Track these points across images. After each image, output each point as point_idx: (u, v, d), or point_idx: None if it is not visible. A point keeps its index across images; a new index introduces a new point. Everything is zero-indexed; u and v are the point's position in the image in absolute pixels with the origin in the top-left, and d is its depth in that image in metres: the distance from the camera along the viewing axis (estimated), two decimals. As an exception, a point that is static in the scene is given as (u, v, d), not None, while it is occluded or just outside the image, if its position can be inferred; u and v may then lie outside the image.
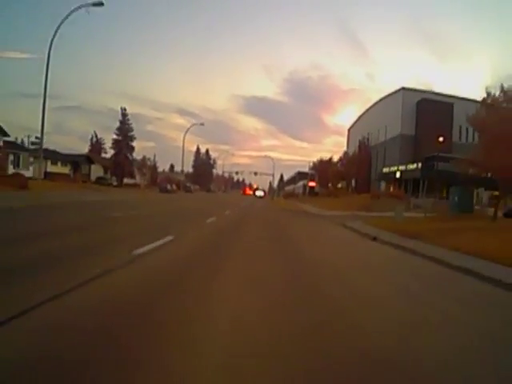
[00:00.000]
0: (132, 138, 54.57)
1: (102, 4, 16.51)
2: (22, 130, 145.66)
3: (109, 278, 4.49)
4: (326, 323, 3.46)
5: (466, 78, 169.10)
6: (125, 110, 55.51)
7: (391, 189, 46.46)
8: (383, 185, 49.48)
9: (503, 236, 12.68)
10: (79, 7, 16.94)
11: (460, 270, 7.25)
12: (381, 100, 54.30)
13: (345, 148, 72.16)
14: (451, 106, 46.55)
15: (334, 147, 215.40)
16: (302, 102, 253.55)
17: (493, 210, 19.98)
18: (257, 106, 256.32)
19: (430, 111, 45.98)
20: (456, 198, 20.26)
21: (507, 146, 15.49)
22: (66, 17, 17.25)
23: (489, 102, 18.58)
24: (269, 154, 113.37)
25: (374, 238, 11.81)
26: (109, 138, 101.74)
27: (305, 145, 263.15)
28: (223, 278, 5.02)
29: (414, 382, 2.49)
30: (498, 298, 5.39)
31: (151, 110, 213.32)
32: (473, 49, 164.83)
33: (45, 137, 21.05)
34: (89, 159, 50.82)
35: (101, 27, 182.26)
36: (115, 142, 54.08)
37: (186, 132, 58.95)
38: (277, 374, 2.40)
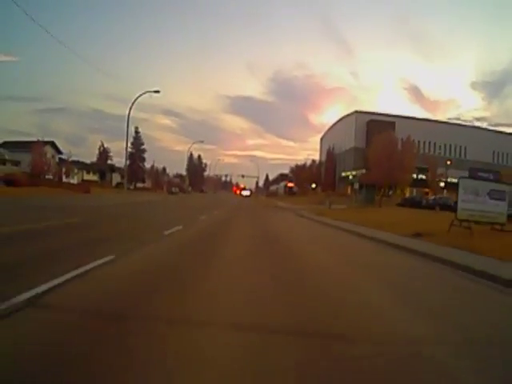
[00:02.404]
0: (143, 151, 67.79)
1: (158, 92, 29.06)
2: (6, 133, 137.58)
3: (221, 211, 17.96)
4: (268, 232, 17.08)
5: (450, 75, 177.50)
6: (137, 128, 68.78)
7: (349, 189, 60.58)
8: (342, 186, 63.75)
9: (366, 213, 26.55)
10: (144, 93, 29.96)
11: (328, 225, 20.73)
12: (342, 119, 68.70)
13: (318, 152, 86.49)
14: (393, 124, 60.89)
15: (319, 145, 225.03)
16: (287, 101, 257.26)
17: (390, 201, 34.02)
18: (242, 106, 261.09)
19: (376, 129, 59.94)
20: (364, 195, 34.20)
21: (378, 170, 29.45)
22: (134, 101, 30.22)
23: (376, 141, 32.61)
24: (255, 153, 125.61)
25: (302, 216, 25.47)
26: (94, 139, 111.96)
27: (291, 143, 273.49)
28: (240, 210, 18.56)
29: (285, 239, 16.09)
30: (337, 229, 18.99)
31: (136, 111, 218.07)
32: (457, 47, 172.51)
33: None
34: (111, 169, 63.90)
35: (85, 30, 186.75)
36: (130, 155, 67.17)
37: (190, 148, 71.68)
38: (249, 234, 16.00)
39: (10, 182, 36.95)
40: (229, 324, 3.50)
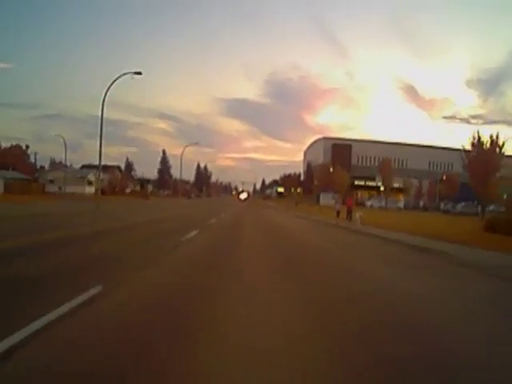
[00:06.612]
0: (169, 167, 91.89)
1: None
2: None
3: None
4: (259, 215, 41.03)
5: (445, 74, 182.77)
6: (164, 150, 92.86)
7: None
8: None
9: (309, 208, 50.64)
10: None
11: (284, 212, 44.58)
12: (315, 141, 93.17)
13: (301, 163, 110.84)
14: (350, 146, 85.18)
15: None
16: (283, 103, 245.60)
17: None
18: (238, 109, 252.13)
19: (338, 150, 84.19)
20: (316, 197, 58.22)
21: (321, 183, 53.53)
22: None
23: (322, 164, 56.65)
24: (252, 155, 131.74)
25: (276, 209, 49.33)
26: (90, 144, 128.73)
27: (288, 145, 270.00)
28: (243, 208, 42.46)
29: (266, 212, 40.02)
30: (287, 214, 42.89)
31: (131, 116, 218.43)
32: (452, 45, 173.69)
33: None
34: (148, 181, 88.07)
35: (79, 34, 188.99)
36: (159, 170, 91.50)
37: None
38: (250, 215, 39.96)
39: (102, 192, 60.71)
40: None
